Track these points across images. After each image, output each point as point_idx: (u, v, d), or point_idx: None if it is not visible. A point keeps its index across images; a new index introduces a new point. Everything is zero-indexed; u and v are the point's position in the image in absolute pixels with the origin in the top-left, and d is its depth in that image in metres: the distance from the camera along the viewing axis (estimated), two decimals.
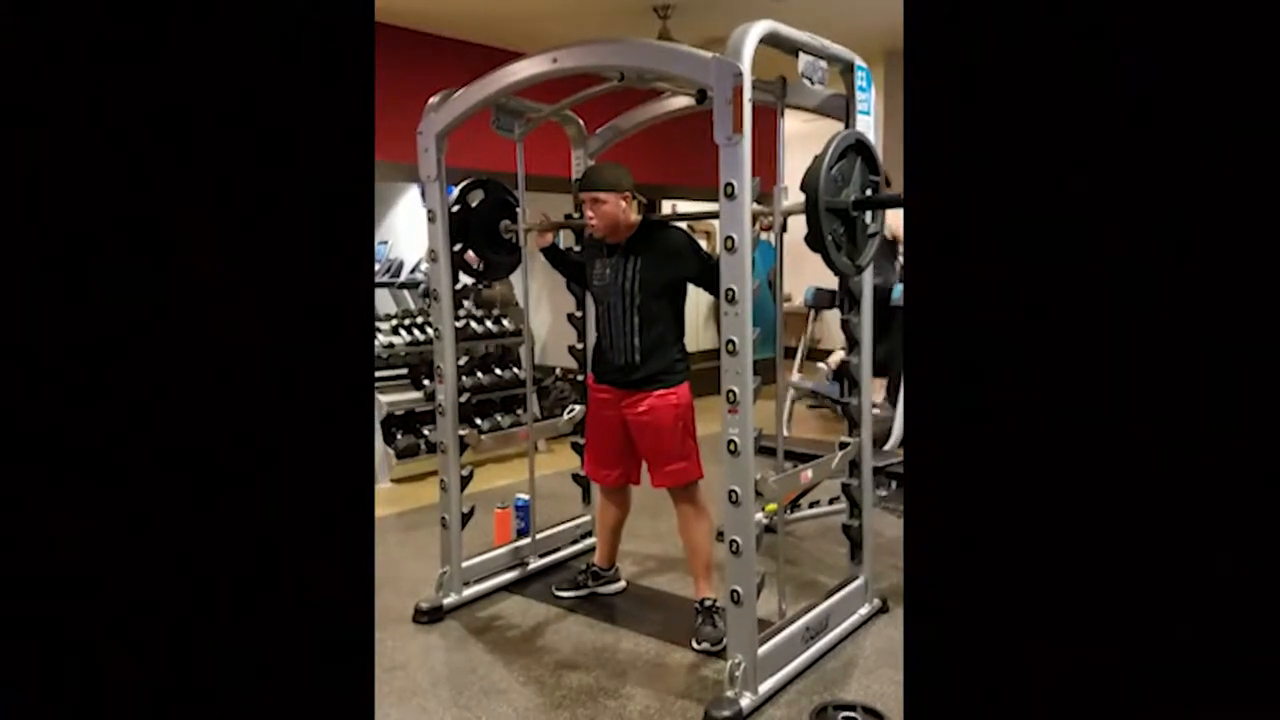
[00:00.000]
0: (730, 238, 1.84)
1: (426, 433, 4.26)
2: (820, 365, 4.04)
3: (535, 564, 2.88)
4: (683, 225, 2.51)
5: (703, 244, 2.45)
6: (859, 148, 2.03)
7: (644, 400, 2.34)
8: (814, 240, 1.92)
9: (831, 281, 2.44)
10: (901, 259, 4.32)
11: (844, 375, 2.42)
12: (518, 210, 2.73)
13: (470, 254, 2.72)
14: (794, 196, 1.97)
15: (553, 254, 2.65)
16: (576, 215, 2.91)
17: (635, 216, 2.36)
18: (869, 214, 2.07)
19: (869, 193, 2.05)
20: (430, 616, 2.54)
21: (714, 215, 1.90)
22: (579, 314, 2.96)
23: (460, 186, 2.63)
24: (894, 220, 3.98)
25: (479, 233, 2.68)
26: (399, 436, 4.24)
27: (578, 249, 2.76)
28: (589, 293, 2.56)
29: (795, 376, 4.08)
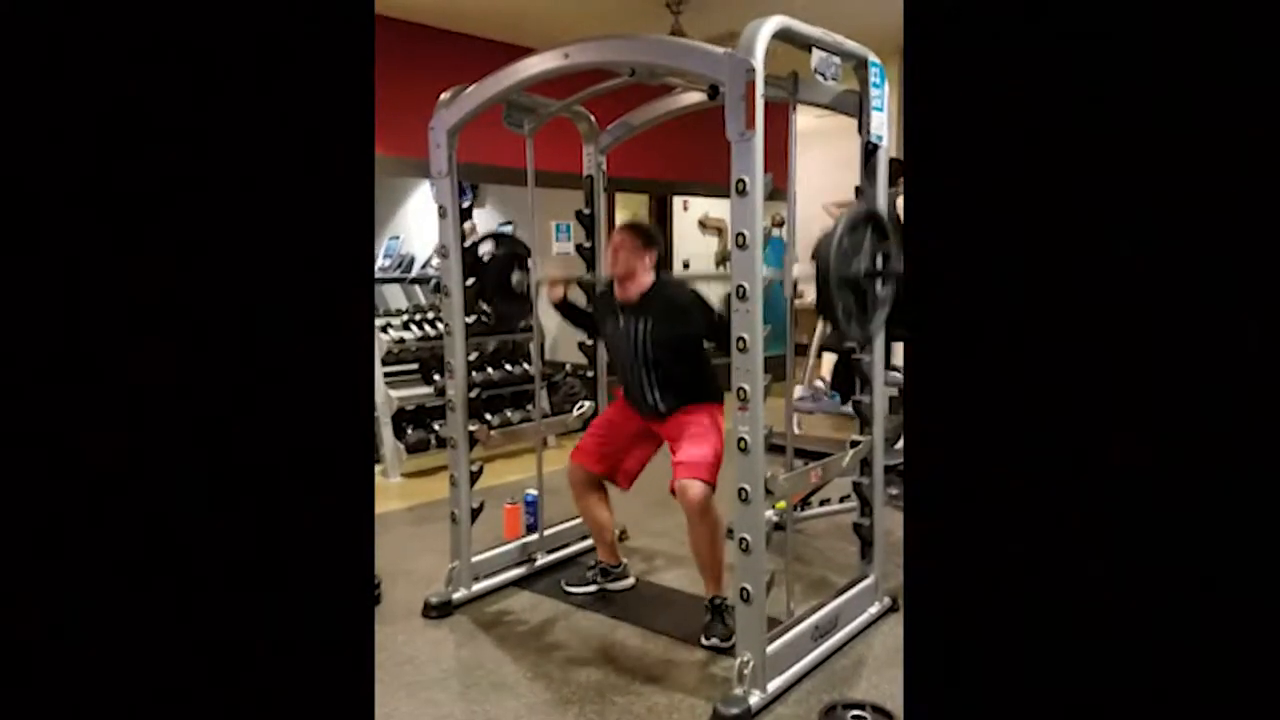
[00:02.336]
0: (741, 234, 1.83)
1: (437, 428, 4.27)
2: (818, 382, 4.03)
3: (544, 559, 2.89)
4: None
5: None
6: (869, 219, 2.06)
7: (672, 419, 2.42)
8: (825, 311, 1.95)
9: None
10: None
11: (852, 376, 2.42)
12: (530, 261, 2.78)
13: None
14: (803, 194, 1.96)
15: (566, 308, 2.72)
16: (586, 211, 2.92)
17: (649, 276, 2.42)
18: (879, 282, 2.09)
19: (880, 259, 2.08)
20: (439, 611, 2.54)
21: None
22: (589, 310, 2.96)
23: (472, 241, 2.67)
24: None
25: (491, 285, 2.71)
26: (409, 431, 4.26)
27: (589, 305, 2.80)
28: (602, 342, 2.67)
29: (798, 390, 4.09)
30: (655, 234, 2.47)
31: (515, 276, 2.77)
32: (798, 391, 4.39)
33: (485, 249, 2.73)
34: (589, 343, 2.96)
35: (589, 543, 3.03)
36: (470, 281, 2.60)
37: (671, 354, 2.38)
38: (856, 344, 2.26)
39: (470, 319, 2.63)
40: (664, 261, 2.51)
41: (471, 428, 2.62)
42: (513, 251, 2.79)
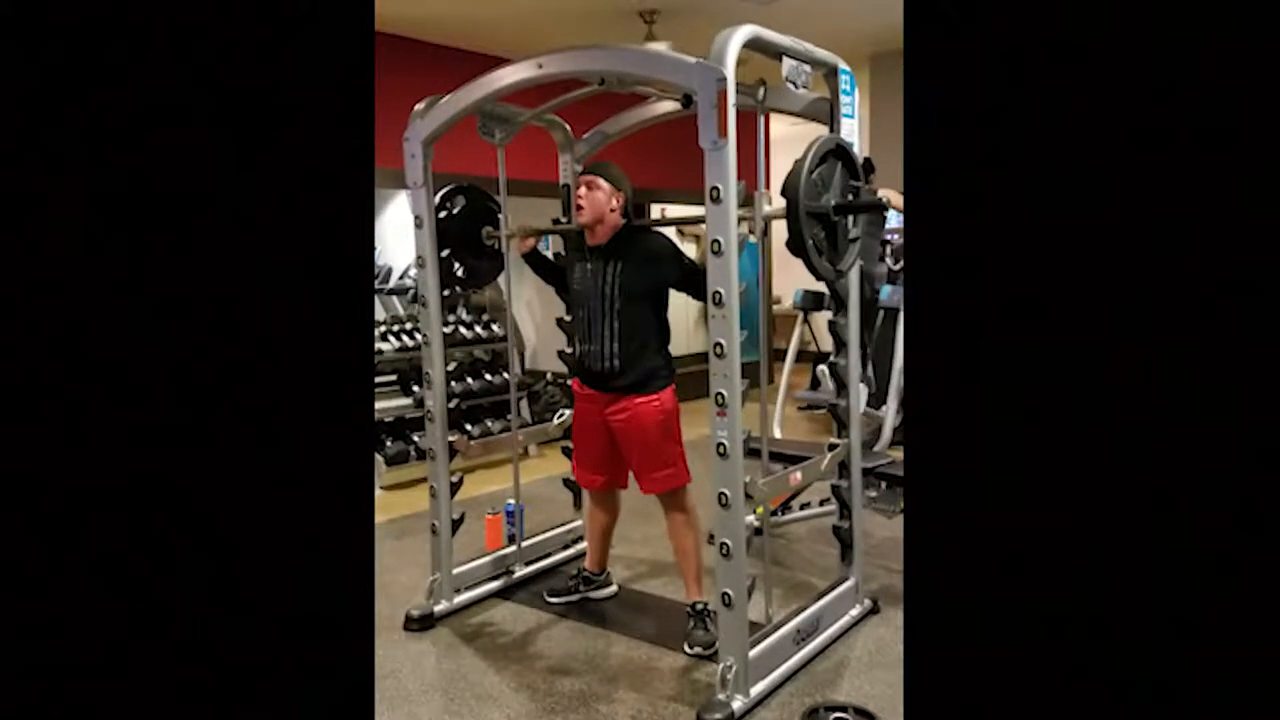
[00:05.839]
0: (716, 241, 1.85)
1: (416, 439, 4.25)
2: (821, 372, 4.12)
3: (526, 570, 2.88)
4: (668, 230, 2.51)
5: (691, 250, 2.44)
6: (839, 152, 2.04)
7: (625, 407, 2.34)
8: (795, 245, 1.92)
9: (820, 283, 2.45)
10: (891, 261, 4.34)
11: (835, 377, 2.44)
12: (500, 216, 2.72)
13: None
14: (779, 200, 1.98)
15: (535, 259, 2.66)
16: (565, 220, 2.92)
17: (619, 219, 2.37)
18: (850, 219, 2.08)
19: (850, 197, 2.06)
20: (421, 624, 2.53)
21: (701, 219, 1.90)
22: (569, 318, 2.96)
23: (441, 194, 2.63)
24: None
25: (461, 240, 2.67)
26: (388, 443, 4.23)
27: (563, 254, 2.76)
28: (569, 297, 2.55)
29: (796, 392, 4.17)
30: (620, 176, 2.35)
31: (485, 230, 2.68)
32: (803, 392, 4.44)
33: (454, 203, 2.63)
34: (569, 351, 2.95)
35: (570, 552, 3.03)
36: (445, 253, 2.48)
37: (637, 303, 2.30)
38: (827, 278, 2.13)
39: (449, 329, 2.61)
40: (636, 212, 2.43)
41: (451, 438, 2.61)
42: (482, 205, 2.70)
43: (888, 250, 4.32)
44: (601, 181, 2.31)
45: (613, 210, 2.33)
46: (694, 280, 2.16)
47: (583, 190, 2.32)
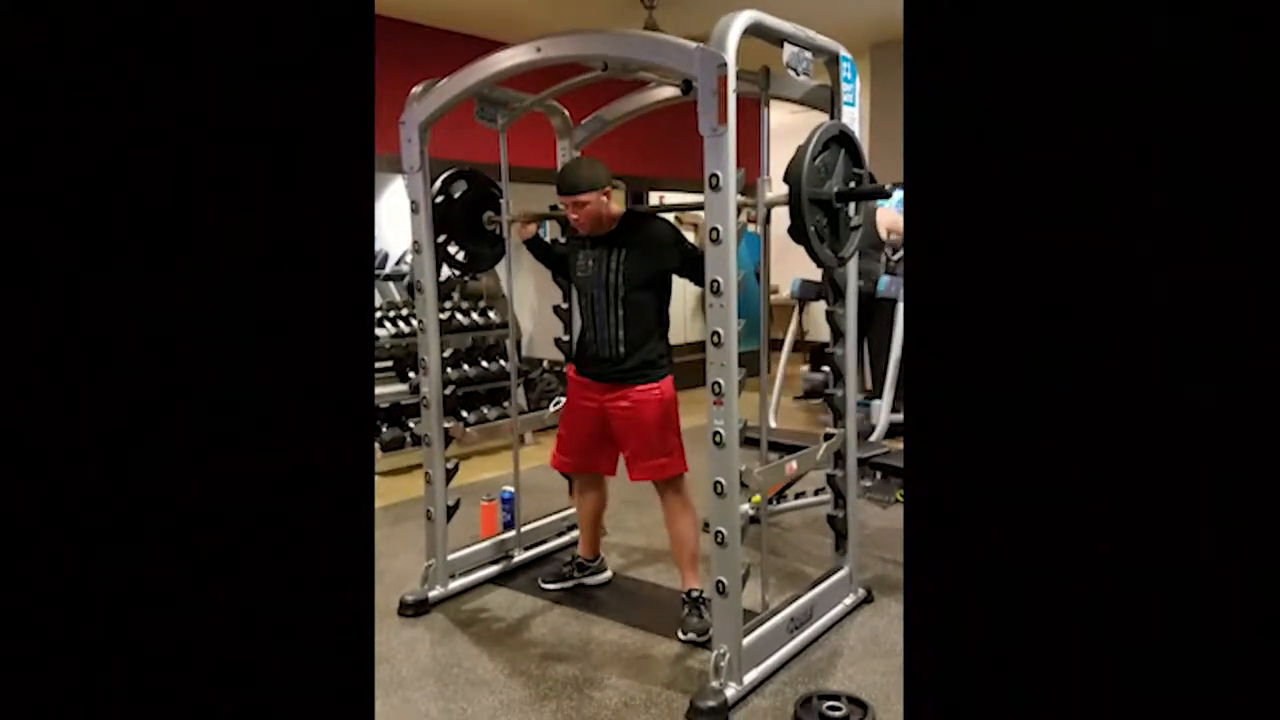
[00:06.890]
0: (715, 229, 1.84)
1: (412, 425, 4.24)
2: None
3: (521, 556, 2.88)
4: (668, 216, 2.51)
5: (689, 235, 2.43)
6: (842, 139, 2.03)
7: (627, 395, 2.34)
8: (797, 232, 1.92)
9: (817, 273, 2.44)
10: (889, 252, 4.34)
11: (829, 365, 2.43)
12: (501, 201, 2.71)
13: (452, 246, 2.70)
14: (778, 188, 1.97)
15: (536, 246, 2.64)
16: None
17: (618, 207, 2.36)
18: (852, 206, 2.07)
19: (852, 185, 2.05)
20: (416, 610, 2.53)
21: (700, 206, 1.89)
22: (565, 306, 2.95)
23: (442, 178, 2.61)
24: (884, 217, 4.00)
25: (461, 225, 2.65)
26: (384, 429, 4.23)
27: (563, 240, 2.74)
28: (572, 285, 2.55)
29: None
30: (593, 172, 2.29)
31: (486, 215, 2.66)
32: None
33: (455, 187, 2.61)
34: (564, 338, 2.95)
35: (565, 539, 3.03)
36: (442, 239, 2.45)
37: (641, 291, 2.30)
38: (828, 266, 2.12)
39: (445, 316, 2.60)
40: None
41: (447, 425, 2.60)
42: (483, 190, 2.69)
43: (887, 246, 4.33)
44: (583, 196, 2.27)
45: (606, 207, 2.32)
46: (696, 266, 2.14)
47: (572, 213, 2.30)
